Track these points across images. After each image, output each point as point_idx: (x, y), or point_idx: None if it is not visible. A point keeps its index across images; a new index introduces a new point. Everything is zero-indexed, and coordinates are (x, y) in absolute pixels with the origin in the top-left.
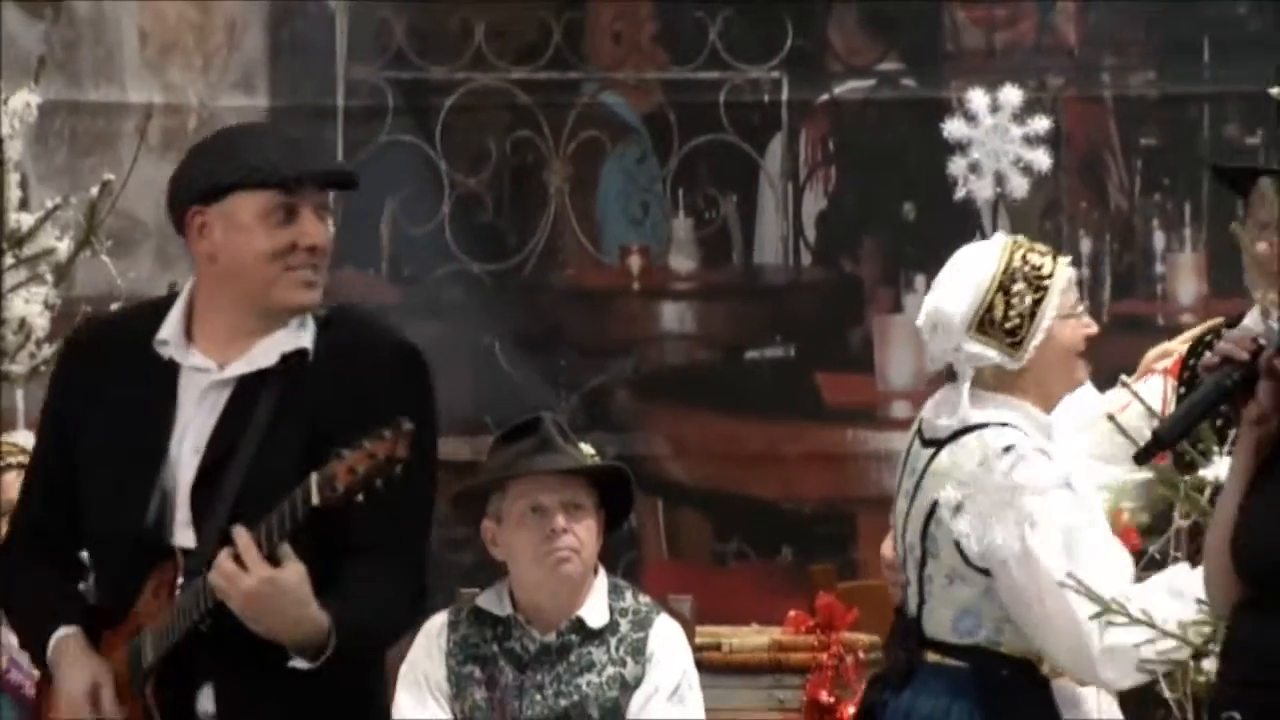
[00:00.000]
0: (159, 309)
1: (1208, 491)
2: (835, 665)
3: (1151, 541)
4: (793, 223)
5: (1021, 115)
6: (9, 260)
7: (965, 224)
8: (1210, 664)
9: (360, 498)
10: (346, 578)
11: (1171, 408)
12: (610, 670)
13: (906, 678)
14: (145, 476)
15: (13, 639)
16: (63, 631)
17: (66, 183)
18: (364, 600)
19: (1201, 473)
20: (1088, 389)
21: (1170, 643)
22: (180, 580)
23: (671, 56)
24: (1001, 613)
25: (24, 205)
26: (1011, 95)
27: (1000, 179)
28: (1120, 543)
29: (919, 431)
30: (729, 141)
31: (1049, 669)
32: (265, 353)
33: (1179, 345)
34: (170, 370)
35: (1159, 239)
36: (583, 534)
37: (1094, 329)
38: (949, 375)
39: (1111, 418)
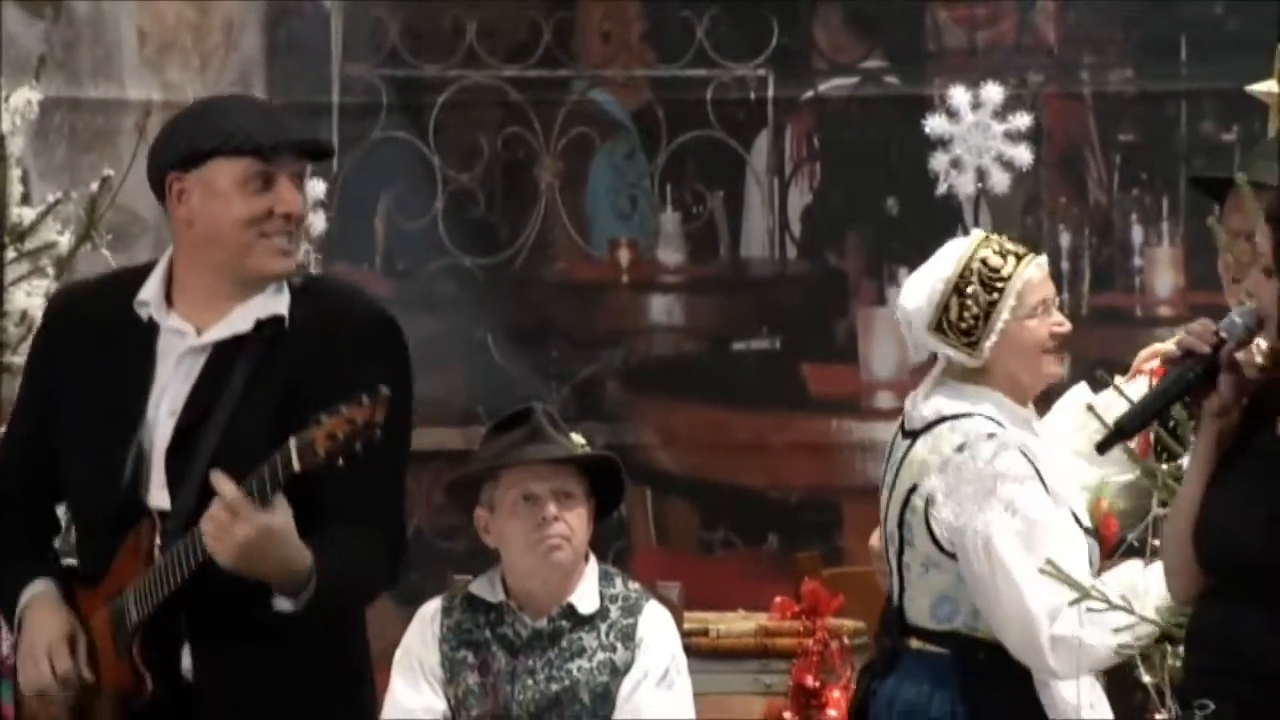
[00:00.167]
0: (138, 274)
1: None
2: (820, 650)
3: (1130, 529)
4: (778, 217)
5: (1003, 112)
6: (11, 254)
7: (947, 218)
8: None
9: (340, 462)
10: (326, 534)
11: None
12: (601, 655)
13: (891, 665)
14: (122, 438)
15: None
16: (36, 586)
17: (67, 178)
18: (343, 548)
19: (1181, 462)
20: (1083, 389)
21: (1128, 636)
22: (158, 542)
23: (659, 55)
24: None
25: (25, 200)
26: (993, 92)
27: (982, 174)
28: (1101, 530)
29: (901, 423)
30: (716, 138)
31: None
32: (242, 318)
33: (1169, 346)
34: (149, 331)
35: (1137, 233)
36: (573, 522)
37: (1065, 327)
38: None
39: (1090, 408)
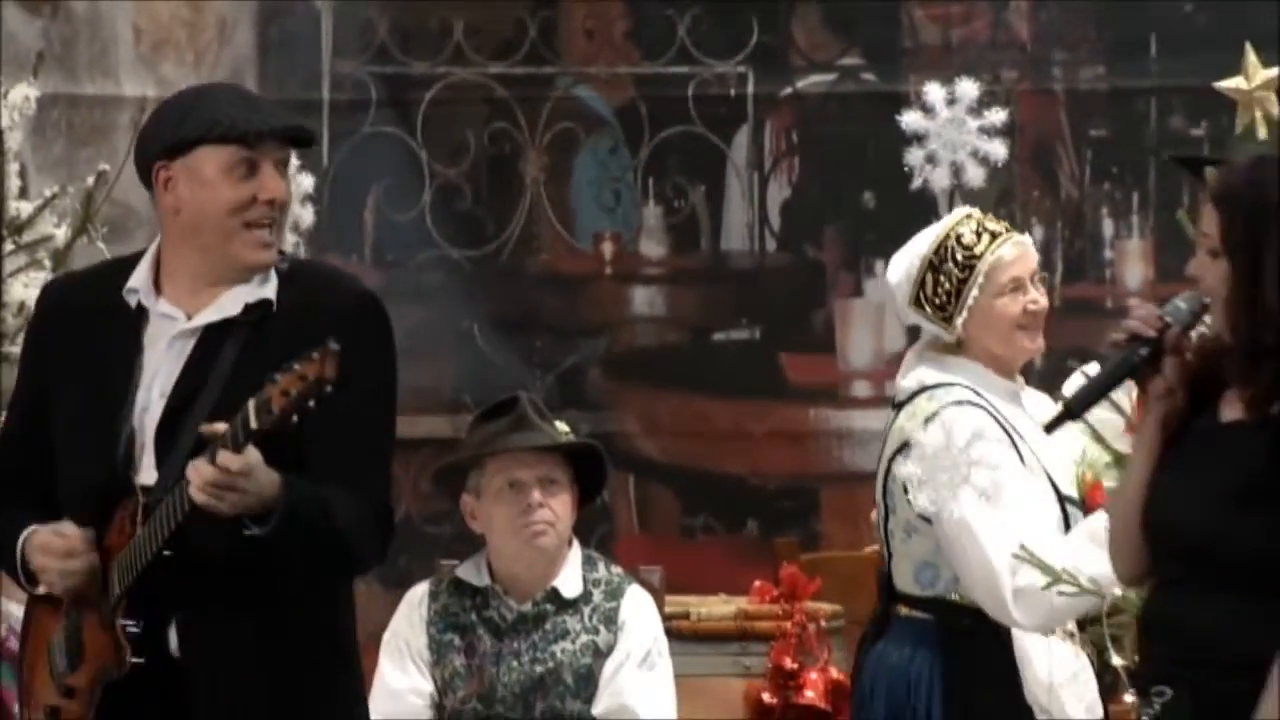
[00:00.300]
0: (127, 264)
1: None
2: (799, 633)
3: None
4: (758, 210)
5: (977, 108)
6: (9, 246)
7: (922, 212)
8: None
9: (294, 419)
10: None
11: None
12: (584, 638)
13: (881, 631)
14: (115, 419)
15: (13, 608)
16: (30, 528)
17: (64, 172)
18: (318, 489)
19: None
20: (1078, 377)
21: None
22: (140, 516)
23: (642, 52)
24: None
25: (23, 194)
26: (967, 89)
27: (957, 169)
28: (1088, 501)
29: (893, 397)
30: (697, 133)
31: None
32: (231, 302)
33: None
34: (139, 317)
35: (1108, 226)
36: (558, 508)
37: (1040, 304)
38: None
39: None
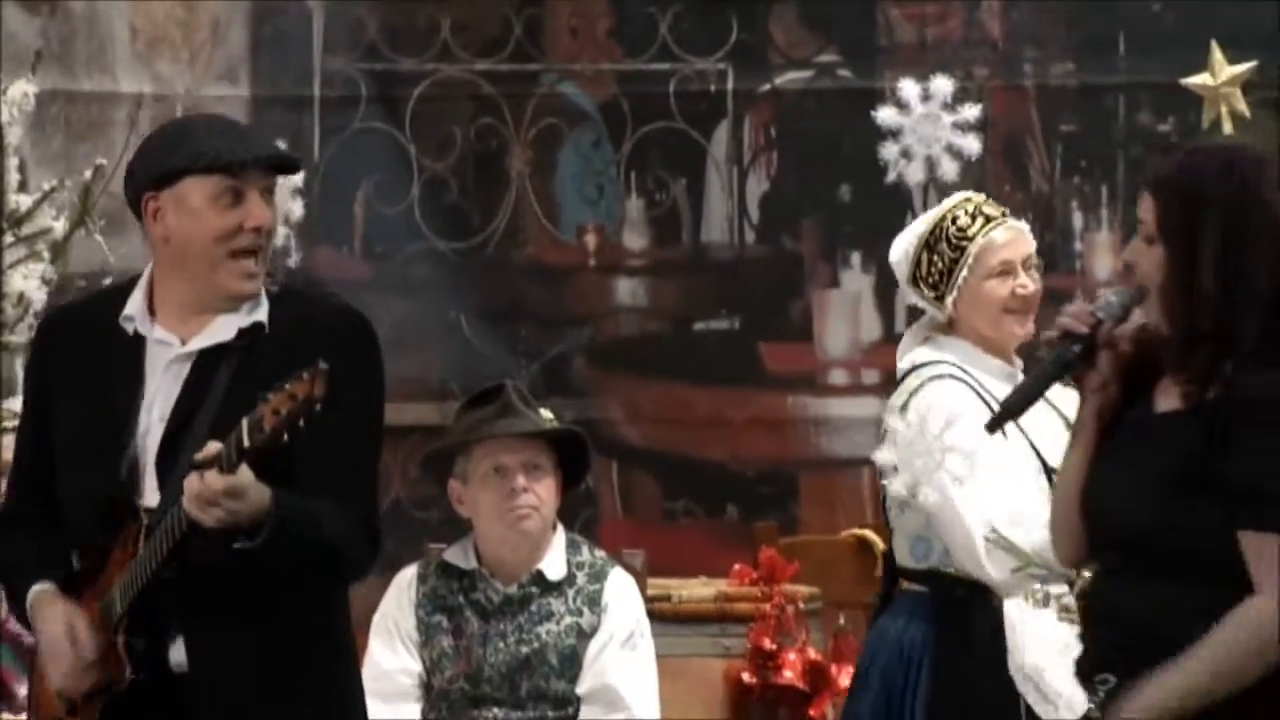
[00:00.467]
0: (121, 292)
1: None
2: (777, 615)
3: None
4: (737, 204)
5: (951, 104)
6: (9, 239)
7: (897, 205)
8: None
9: (285, 437)
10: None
11: None
12: (568, 619)
13: (885, 604)
14: (116, 443)
15: None
16: (38, 587)
17: (62, 167)
18: (307, 502)
19: None
20: None
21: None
22: (142, 535)
23: (625, 49)
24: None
25: (22, 188)
26: (941, 85)
27: (931, 163)
28: None
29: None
30: (678, 128)
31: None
32: (224, 327)
33: None
34: (136, 344)
35: (1077, 219)
36: (542, 493)
37: (1029, 288)
38: None
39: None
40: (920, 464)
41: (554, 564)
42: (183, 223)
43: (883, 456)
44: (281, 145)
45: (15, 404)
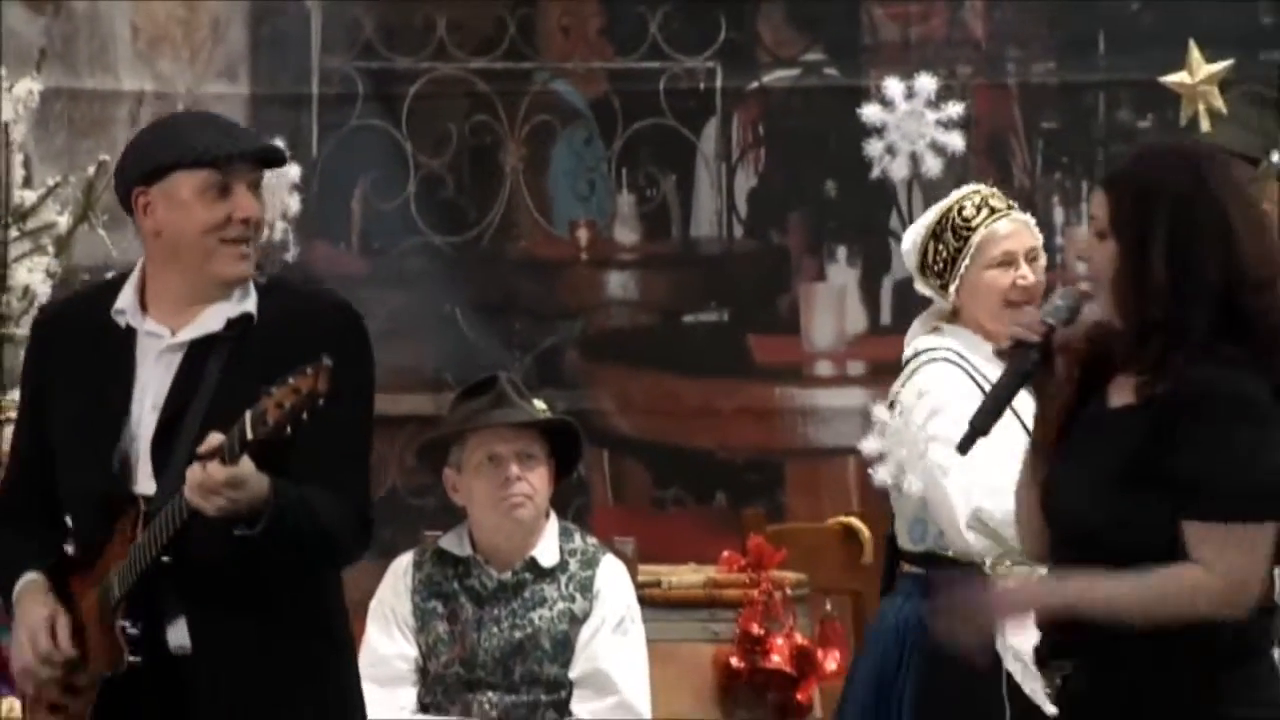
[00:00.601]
0: (113, 286)
1: None
2: (765, 600)
3: None
4: (726, 199)
5: (935, 102)
6: (14, 233)
7: (882, 200)
8: None
9: (289, 430)
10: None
11: None
12: (561, 605)
13: (889, 587)
14: (110, 433)
15: None
16: (27, 576)
17: (66, 163)
18: (304, 489)
19: None
20: None
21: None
22: (141, 523)
23: (615, 48)
24: (968, 550)
25: (27, 183)
26: (925, 84)
27: (916, 159)
28: None
29: None
30: (668, 125)
31: (992, 570)
32: (213, 318)
33: None
34: (128, 337)
35: (1058, 214)
36: (535, 481)
37: (1029, 280)
38: None
39: None
40: (905, 453)
41: (547, 551)
42: (173, 216)
43: (869, 445)
44: (280, 142)
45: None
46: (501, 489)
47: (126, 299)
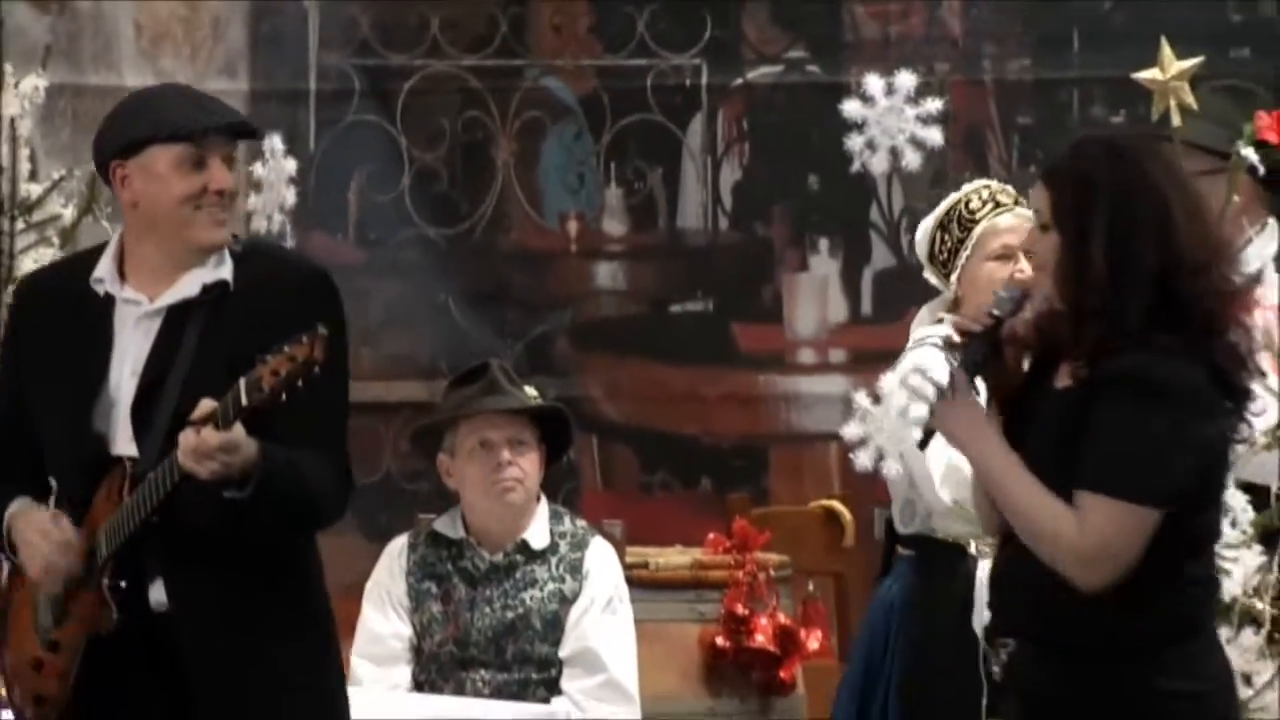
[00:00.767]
0: (93, 255)
1: None
2: (749, 581)
3: None
4: (711, 192)
5: (914, 98)
6: (20, 225)
7: (862, 193)
8: None
9: (284, 397)
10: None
11: None
12: (551, 586)
13: (886, 570)
14: (91, 397)
15: None
16: (16, 502)
17: (70, 157)
18: (289, 452)
19: None
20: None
21: None
22: (128, 485)
23: (604, 45)
24: (941, 506)
25: (33, 176)
26: (904, 80)
27: (895, 154)
28: None
29: None
30: (655, 121)
31: (976, 549)
32: (189, 284)
33: None
34: (107, 304)
35: None
36: (526, 466)
37: (1025, 274)
38: None
39: None
40: (883, 439)
41: (538, 534)
42: (150, 187)
43: (850, 430)
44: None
45: None
46: (493, 474)
47: (105, 268)
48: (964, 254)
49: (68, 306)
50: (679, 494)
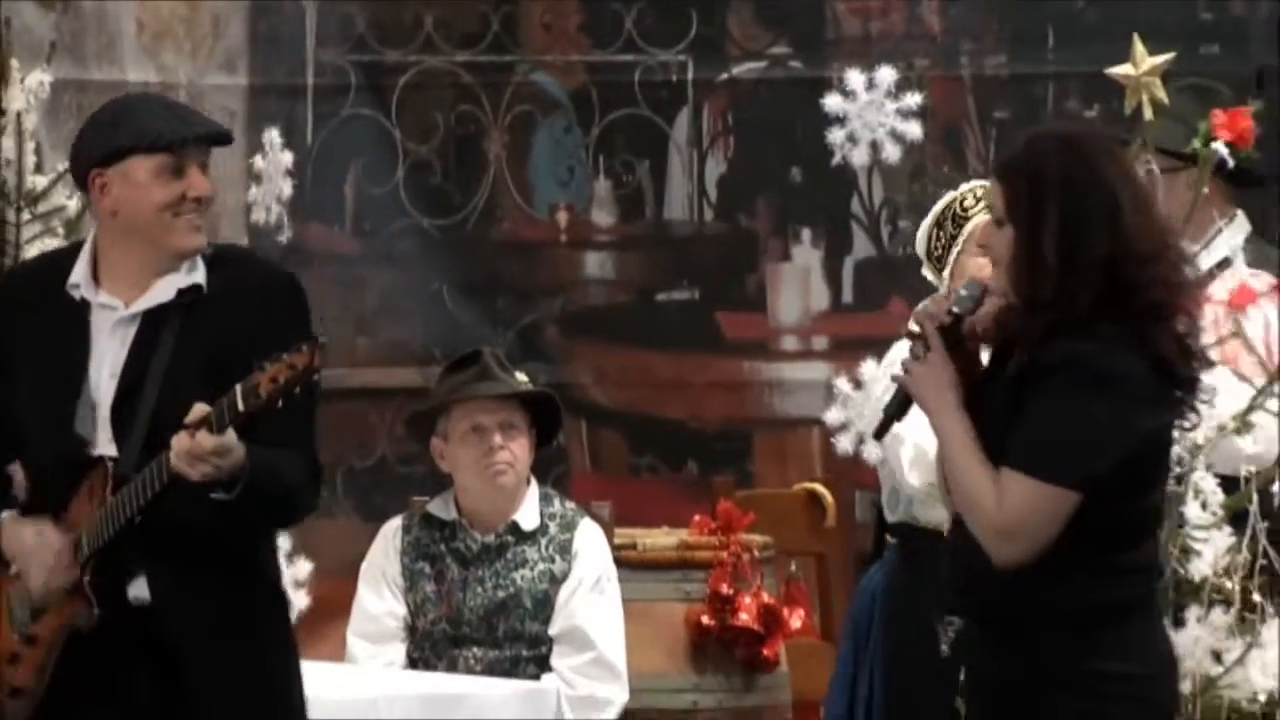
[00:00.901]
0: (66, 256)
1: None
2: (734, 562)
3: None
4: (697, 184)
5: (894, 93)
6: (26, 216)
7: (843, 185)
8: None
9: (279, 404)
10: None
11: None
12: (541, 566)
13: (875, 558)
14: (70, 400)
15: None
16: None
17: None
18: (270, 452)
19: None
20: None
21: None
22: (110, 485)
23: (593, 42)
24: (910, 490)
25: (38, 169)
26: (885, 75)
27: (876, 147)
28: None
29: None
30: (642, 115)
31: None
32: (164, 290)
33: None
34: (82, 309)
35: None
36: (517, 450)
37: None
38: None
39: None
40: (864, 424)
41: (528, 515)
42: (129, 196)
43: (832, 416)
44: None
45: None
46: (485, 457)
47: (80, 273)
48: (955, 250)
49: (46, 307)
50: (666, 477)
